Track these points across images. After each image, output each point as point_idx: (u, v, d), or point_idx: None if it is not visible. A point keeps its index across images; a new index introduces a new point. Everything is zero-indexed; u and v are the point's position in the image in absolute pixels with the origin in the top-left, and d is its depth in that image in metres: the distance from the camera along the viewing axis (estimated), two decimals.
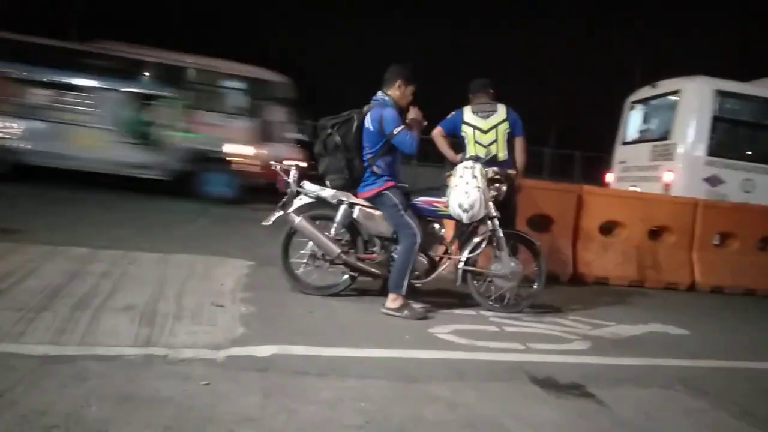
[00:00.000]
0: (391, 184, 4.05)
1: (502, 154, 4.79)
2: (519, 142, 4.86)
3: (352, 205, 4.11)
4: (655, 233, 6.54)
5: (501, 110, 4.84)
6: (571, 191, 6.35)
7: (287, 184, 4.19)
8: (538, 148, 24.35)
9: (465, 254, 4.23)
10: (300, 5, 28.93)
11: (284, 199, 4.17)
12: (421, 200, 4.16)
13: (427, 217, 4.17)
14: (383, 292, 4.23)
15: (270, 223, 4.11)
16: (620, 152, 9.62)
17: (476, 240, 4.25)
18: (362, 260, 4.16)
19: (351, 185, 4.13)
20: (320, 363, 2.83)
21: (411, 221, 3.97)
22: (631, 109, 9.59)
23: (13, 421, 1.97)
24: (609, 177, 9.74)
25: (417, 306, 3.96)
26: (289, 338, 3.12)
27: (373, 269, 4.16)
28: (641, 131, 9.44)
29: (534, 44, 28.70)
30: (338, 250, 4.07)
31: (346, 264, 4.13)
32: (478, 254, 4.27)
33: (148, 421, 2.06)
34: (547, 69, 27.56)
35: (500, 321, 4.04)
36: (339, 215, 4.12)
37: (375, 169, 4.04)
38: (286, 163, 4.23)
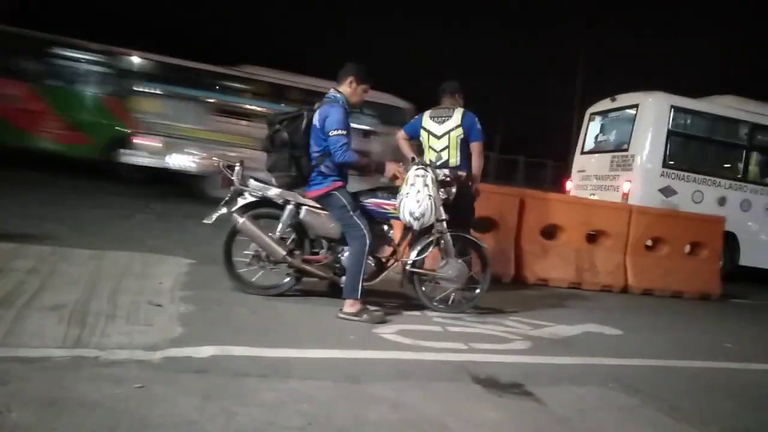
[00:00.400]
0: (339, 184, 3.99)
1: (454, 160, 4.83)
2: (474, 148, 4.88)
3: (298, 206, 4.05)
4: (593, 237, 6.80)
5: (456, 115, 4.86)
6: (514, 195, 6.52)
7: (231, 181, 4.06)
8: (485, 152, 24.95)
9: (413, 256, 4.25)
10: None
11: (228, 197, 4.04)
12: (370, 202, 4.11)
13: (376, 219, 4.15)
14: (329, 293, 4.20)
15: (212, 221, 3.97)
16: (579, 161, 9.98)
17: (424, 242, 4.27)
18: (308, 262, 4.09)
19: (298, 183, 4.05)
20: (262, 364, 2.77)
21: (360, 222, 3.91)
22: (591, 120, 9.98)
23: None
24: (568, 185, 10.09)
25: (374, 309, 3.91)
26: (230, 339, 3.03)
27: (319, 272, 4.09)
28: (600, 142, 9.84)
29: (480, 47, 29.28)
30: (283, 253, 3.98)
31: (291, 266, 4.06)
32: (425, 256, 4.29)
33: (75, 426, 1.94)
34: (492, 74, 28.11)
35: (444, 321, 4.09)
36: (285, 215, 4.04)
37: (323, 168, 3.97)
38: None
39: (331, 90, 4.07)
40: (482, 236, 5.76)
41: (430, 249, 4.28)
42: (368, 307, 3.88)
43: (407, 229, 4.29)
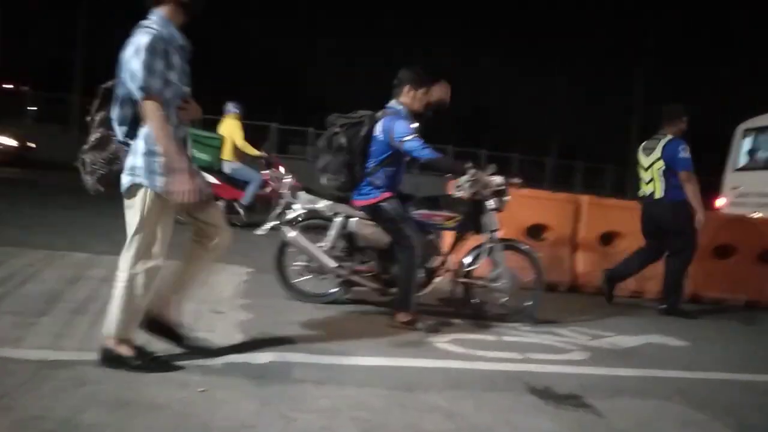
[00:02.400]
0: (387, 195, 3.94)
1: (659, 193, 4.85)
2: (680, 177, 4.83)
3: (347, 217, 4.09)
4: None
5: (659, 147, 4.82)
6: (571, 201, 6.36)
7: (281, 194, 4.14)
8: (540, 158, 24.51)
9: (464, 266, 4.22)
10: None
11: (278, 209, 4.13)
12: (419, 213, 4.05)
13: (424, 229, 4.08)
14: (383, 302, 4.23)
15: (264, 232, 4.08)
16: (733, 178, 9.68)
17: (476, 252, 4.23)
18: (357, 273, 4.12)
19: (347, 188, 4.03)
20: (318, 371, 2.83)
21: (410, 233, 3.87)
22: (745, 136, 9.69)
23: (10, 425, 1.97)
24: (720, 202, 9.76)
25: (427, 318, 3.90)
26: (287, 346, 3.12)
27: (368, 283, 4.12)
28: (758, 158, 9.55)
29: (539, 60, 28.85)
30: (332, 265, 4.03)
31: (340, 277, 4.11)
32: (477, 266, 4.25)
33: (144, 427, 2.06)
34: (551, 81, 27.62)
35: (498, 330, 4.04)
36: (334, 227, 4.09)
37: (375, 180, 3.95)
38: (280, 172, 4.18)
39: (392, 101, 4.01)
40: (538, 243, 5.67)
41: (482, 258, 4.24)
42: (421, 316, 3.89)
43: (457, 239, 4.27)
